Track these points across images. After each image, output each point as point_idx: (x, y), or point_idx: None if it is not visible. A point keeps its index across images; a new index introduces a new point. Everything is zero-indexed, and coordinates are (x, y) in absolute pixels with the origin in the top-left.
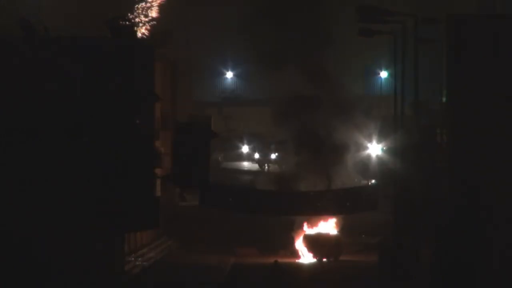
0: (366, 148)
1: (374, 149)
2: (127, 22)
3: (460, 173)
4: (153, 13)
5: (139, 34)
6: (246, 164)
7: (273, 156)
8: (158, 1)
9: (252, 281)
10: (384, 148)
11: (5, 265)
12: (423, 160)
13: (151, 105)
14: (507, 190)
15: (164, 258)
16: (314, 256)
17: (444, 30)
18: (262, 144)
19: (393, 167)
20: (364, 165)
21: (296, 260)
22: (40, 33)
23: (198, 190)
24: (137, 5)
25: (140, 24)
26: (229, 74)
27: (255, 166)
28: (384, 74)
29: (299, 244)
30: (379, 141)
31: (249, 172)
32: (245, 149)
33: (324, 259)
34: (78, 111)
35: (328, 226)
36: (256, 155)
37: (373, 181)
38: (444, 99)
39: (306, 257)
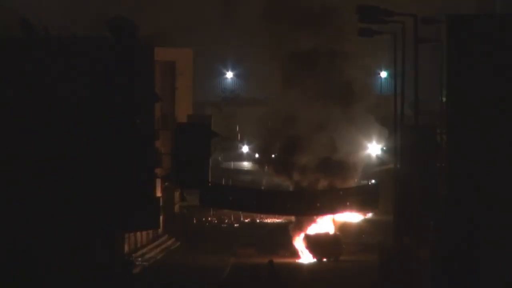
0: (366, 147)
1: (374, 149)
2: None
3: (460, 173)
4: None
5: None
6: (246, 164)
7: (273, 156)
8: None
9: (251, 281)
10: (384, 148)
11: (5, 265)
12: (423, 160)
13: (151, 105)
14: (507, 190)
15: (164, 258)
16: (314, 256)
17: (444, 30)
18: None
19: (393, 167)
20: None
21: (296, 260)
22: (40, 33)
23: (198, 190)
24: None
25: None
26: (229, 74)
27: (255, 166)
28: (384, 74)
29: (299, 244)
30: (379, 141)
31: (249, 172)
32: (245, 149)
33: (324, 259)
34: (78, 111)
35: (328, 226)
36: (256, 155)
37: (373, 181)
38: (444, 99)
39: (306, 257)
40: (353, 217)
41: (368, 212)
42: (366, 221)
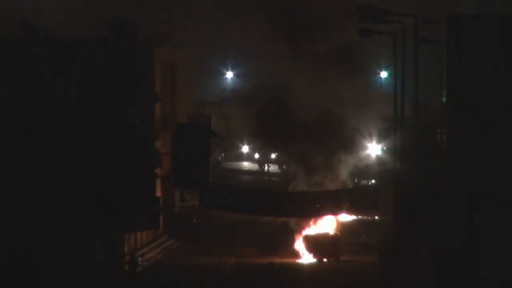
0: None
1: (374, 149)
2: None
3: (460, 173)
4: None
5: None
6: (246, 164)
7: (273, 156)
8: None
9: (252, 281)
10: (384, 148)
11: (5, 265)
12: (423, 160)
13: (151, 105)
14: (507, 190)
15: (164, 258)
16: (314, 256)
17: (444, 30)
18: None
19: (393, 167)
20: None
21: (296, 260)
22: (40, 33)
23: (198, 190)
24: None
25: None
26: (229, 74)
27: (255, 166)
28: (384, 74)
29: (299, 244)
30: (379, 141)
31: (249, 172)
32: (245, 149)
33: (324, 259)
34: (78, 111)
35: (328, 226)
36: (256, 155)
37: (373, 181)
38: (444, 99)
39: (306, 257)
40: (352, 217)
41: (370, 214)
42: (366, 221)
